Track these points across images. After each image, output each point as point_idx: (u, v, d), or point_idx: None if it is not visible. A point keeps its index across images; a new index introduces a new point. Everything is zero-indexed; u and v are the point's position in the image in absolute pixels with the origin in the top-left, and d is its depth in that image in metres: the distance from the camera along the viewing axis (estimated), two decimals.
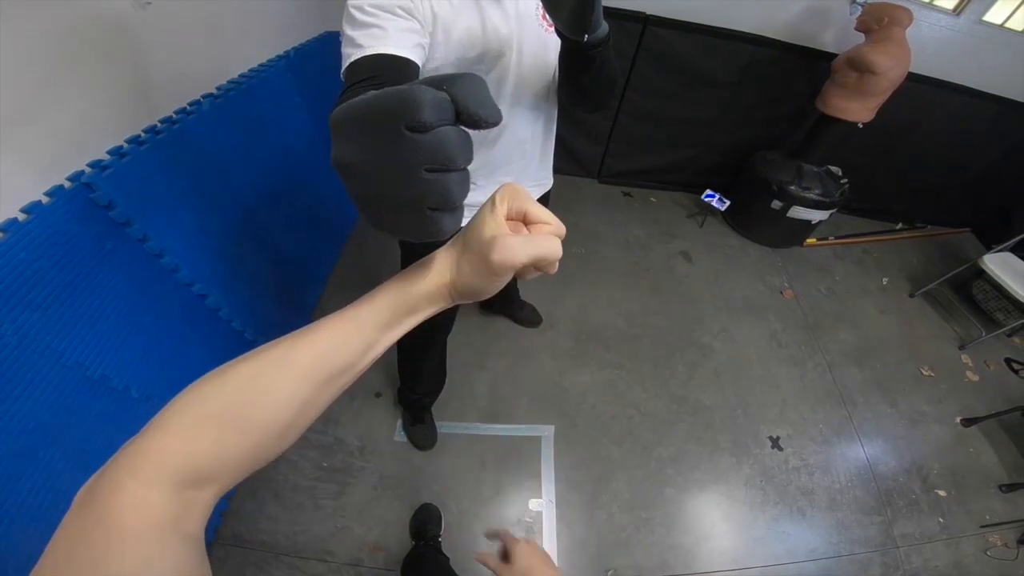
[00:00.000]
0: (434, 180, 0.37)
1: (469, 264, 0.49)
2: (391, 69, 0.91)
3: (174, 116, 1.59)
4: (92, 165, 1.28)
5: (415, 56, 0.97)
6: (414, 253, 1.63)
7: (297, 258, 2.45)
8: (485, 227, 0.48)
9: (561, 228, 0.51)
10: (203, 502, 0.42)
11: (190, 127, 1.62)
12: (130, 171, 1.37)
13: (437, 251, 0.53)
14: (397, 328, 0.52)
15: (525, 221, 0.51)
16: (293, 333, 0.48)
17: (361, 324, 0.49)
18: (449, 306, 0.53)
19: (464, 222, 0.46)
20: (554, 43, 1.18)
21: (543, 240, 0.47)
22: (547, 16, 1.15)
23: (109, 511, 0.36)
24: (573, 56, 1.06)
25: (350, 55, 0.93)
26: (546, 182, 1.64)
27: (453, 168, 0.37)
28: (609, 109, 3.75)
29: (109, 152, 1.35)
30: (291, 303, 2.43)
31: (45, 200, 1.17)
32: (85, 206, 1.26)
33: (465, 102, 0.36)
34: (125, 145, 1.39)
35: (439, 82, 0.37)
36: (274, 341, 0.47)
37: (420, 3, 1.02)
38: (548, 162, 1.59)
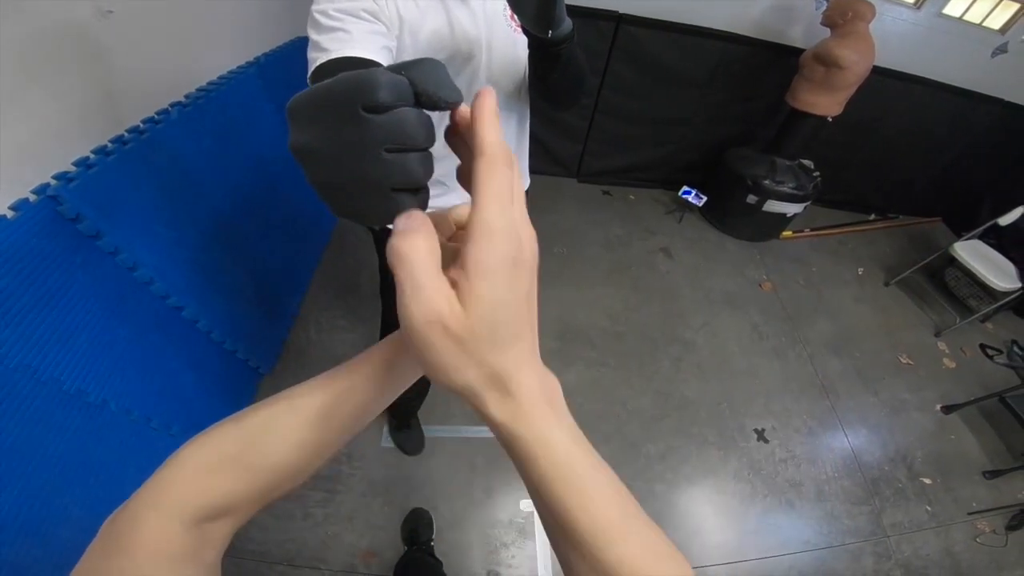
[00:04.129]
0: (395, 160, 0.36)
1: None
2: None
3: (141, 126, 1.54)
4: (58, 177, 1.24)
5: (382, 59, 0.96)
6: None
7: (275, 266, 2.41)
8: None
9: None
10: (220, 533, 0.45)
11: (158, 136, 1.57)
12: (97, 182, 1.33)
13: None
14: (411, 375, 0.52)
15: (457, 227, 0.49)
16: (309, 380, 0.49)
17: (374, 371, 0.50)
18: None
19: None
20: (523, 42, 1.19)
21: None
22: (514, 15, 1.16)
23: (132, 542, 0.38)
24: (540, 53, 1.08)
25: (316, 59, 0.93)
26: (523, 182, 1.63)
27: (413, 147, 0.36)
28: (585, 108, 3.77)
29: (75, 163, 1.30)
30: (272, 311, 2.39)
31: (10, 215, 1.13)
32: (52, 219, 1.22)
33: (423, 84, 0.36)
34: (91, 156, 1.35)
35: (398, 67, 0.36)
36: (290, 388, 0.48)
37: (385, 6, 1.01)
38: (523, 162, 1.59)
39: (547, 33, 0.95)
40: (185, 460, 0.44)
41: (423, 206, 0.41)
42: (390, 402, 0.53)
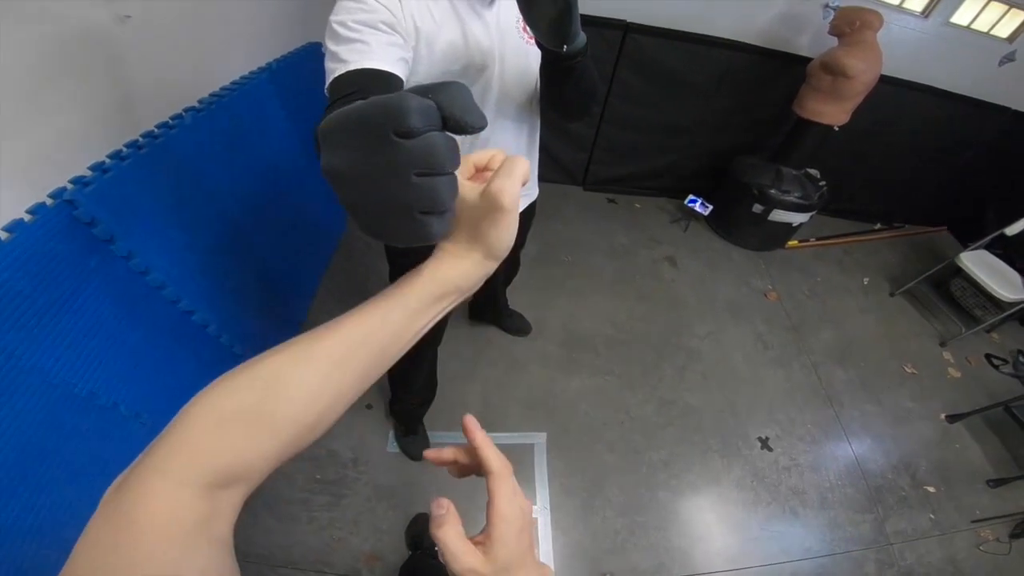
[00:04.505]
0: (423, 184, 0.37)
1: (488, 226, 0.49)
2: (375, 83, 0.91)
3: (156, 130, 1.56)
4: (74, 181, 1.26)
5: (399, 70, 0.97)
6: (401, 266, 1.63)
7: (285, 271, 2.43)
8: (467, 196, 0.50)
9: (501, 151, 0.54)
10: (233, 502, 0.42)
11: (173, 141, 1.59)
12: (113, 187, 1.34)
13: (441, 248, 0.53)
14: (426, 315, 0.52)
15: (476, 168, 0.56)
16: (320, 327, 0.47)
17: (387, 314, 0.49)
18: (481, 281, 0.55)
19: None
20: (535, 54, 1.20)
21: (511, 167, 0.48)
22: (527, 28, 1.17)
23: (138, 513, 0.35)
24: (553, 66, 1.08)
25: (334, 70, 0.93)
26: (531, 192, 1.65)
27: (441, 172, 0.38)
28: (592, 117, 3.76)
29: (91, 168, 1.32)
30: (280, 316, 2.41)
31: (27, 218, 1.14)
32: (68, 224, 1.23)
33: (451, 108, 0.37)
34: (107, 160, 1.36)
35: (425, 90, 0.37)
36: (301, 335, 0.47)
37: (403, 18, 1.03)
38: (533, 172, 1.60)
39: (562, 47, 0.96)
40: (195, 417, 0.40)
41: (447, 228, 0.42)
42: (409, 347, 0.52)
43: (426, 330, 0.53)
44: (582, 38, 0.99)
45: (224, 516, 0.40)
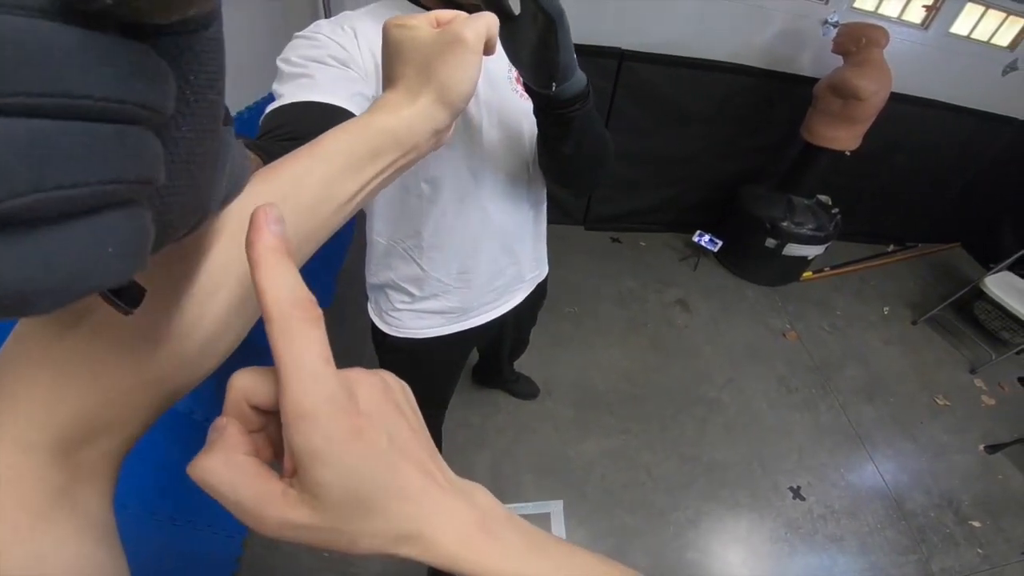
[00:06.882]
0: None
1: (442, 63, 0.44)
2: (312, 117, 0.72)
3: None
4: None
5: (353, 106, 0.77)
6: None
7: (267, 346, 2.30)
8: (422, 32, 0.46)
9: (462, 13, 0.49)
10: (103, 460, 0.28)
11: None
12: None
13: (381, 97, 0.47)
14: (358, 176, 0.42)
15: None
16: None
17: (307, 173, 0.39)
18: (431, 138, 0.46)
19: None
20: (528, 112, 0.95)
21: (479, 14, 0.46)
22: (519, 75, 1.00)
23: None
24: (546, 118, 0.85)
25: (268, 109, 0.76)
26: (540, 271, 1.42)
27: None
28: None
29: None
30: None
31: None
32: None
33: None
34: None
35: None
36: None
37: (359, 57, 0.85)
38: (541, 250, 1.38)
39: (550, 86, 0.74)
40: (25, 343, 0.26)
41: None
42: (343, 217, 0.42)
43: (365, 195, 0.44)
44: (579, 79, 0.77)
45: (91, 482, 0.27)
